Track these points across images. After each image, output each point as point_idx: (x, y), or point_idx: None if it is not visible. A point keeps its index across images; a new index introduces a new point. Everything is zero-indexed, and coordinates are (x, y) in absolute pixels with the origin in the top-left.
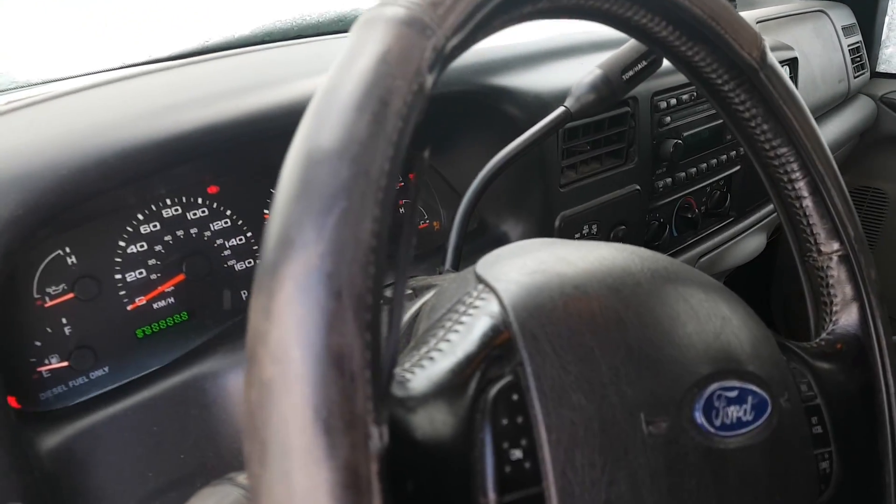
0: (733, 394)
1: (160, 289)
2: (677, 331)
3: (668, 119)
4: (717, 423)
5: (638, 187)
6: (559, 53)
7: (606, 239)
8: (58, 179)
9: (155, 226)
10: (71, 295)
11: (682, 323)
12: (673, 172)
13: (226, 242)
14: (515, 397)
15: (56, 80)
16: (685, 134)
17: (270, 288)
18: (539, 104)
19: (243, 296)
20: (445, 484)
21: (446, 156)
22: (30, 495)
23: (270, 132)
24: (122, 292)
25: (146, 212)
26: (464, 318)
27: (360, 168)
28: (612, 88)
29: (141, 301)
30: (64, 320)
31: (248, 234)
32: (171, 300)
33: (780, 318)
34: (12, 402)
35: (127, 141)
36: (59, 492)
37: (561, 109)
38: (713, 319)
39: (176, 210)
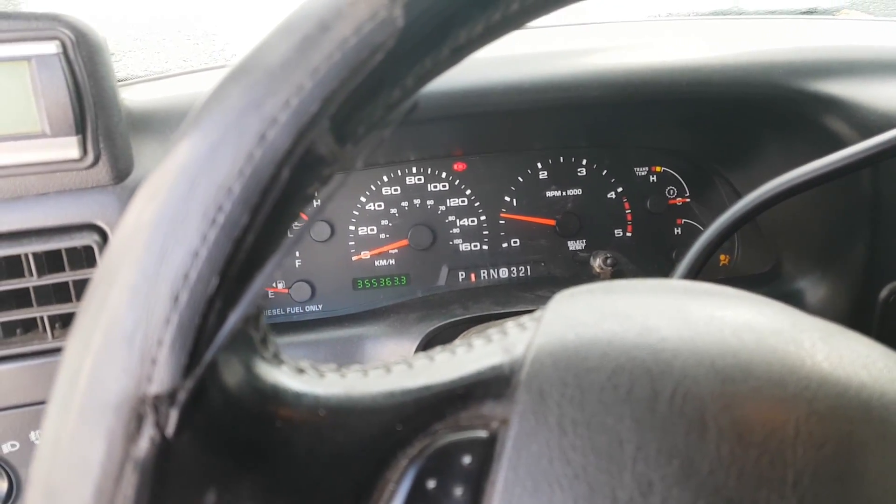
0: None
1: (384, 248)
2: (821, 485)
3: None
4: None
5: None
6: None
7: None
8: None
9: (396, 189)
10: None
11: (841, 474)
12: None
13: (457, 220)
14: (468, 461)
15: None
16: None
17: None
18: (882, 124)
19: (460, 277)
20: None
21: (741, 168)
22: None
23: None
24: (351, 243)
25: (392, 175)
26: (476, 342)
27: (252, 99)
28: None
29: (365, 255)
30: (297, 253)
31: (482, 218)
32: (392, 262)
33: None
34: None
35: None
36: None
37: None
38: None
39: (419, 179)
